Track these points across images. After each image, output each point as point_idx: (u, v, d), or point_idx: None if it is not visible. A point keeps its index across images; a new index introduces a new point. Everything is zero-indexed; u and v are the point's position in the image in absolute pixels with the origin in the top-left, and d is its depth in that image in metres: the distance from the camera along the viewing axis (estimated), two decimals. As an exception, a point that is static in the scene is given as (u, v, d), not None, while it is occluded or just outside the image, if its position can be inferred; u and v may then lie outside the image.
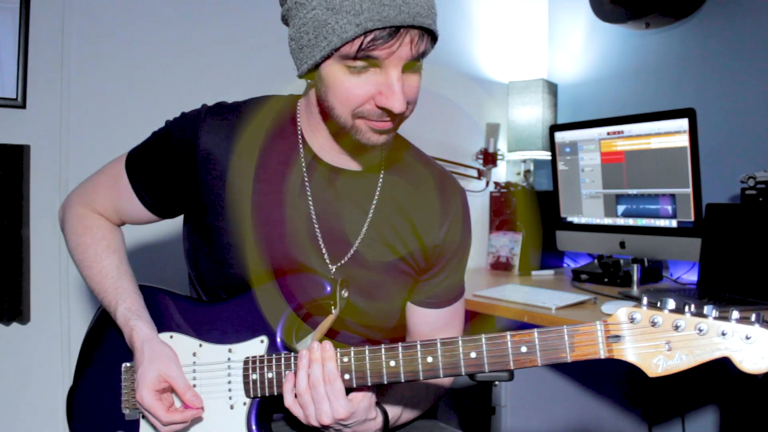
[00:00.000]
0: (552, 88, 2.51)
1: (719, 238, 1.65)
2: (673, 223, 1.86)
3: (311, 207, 0.97)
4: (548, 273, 2.29)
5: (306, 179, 0.97)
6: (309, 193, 0.97)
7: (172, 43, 1.84)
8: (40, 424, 1.67)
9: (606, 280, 1.97)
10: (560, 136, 2.15)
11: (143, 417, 0.97)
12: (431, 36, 0.83)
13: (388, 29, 0.78)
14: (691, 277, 2.06)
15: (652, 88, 2.24)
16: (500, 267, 2.36)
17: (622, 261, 2.03)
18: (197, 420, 0.93)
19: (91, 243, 1.03)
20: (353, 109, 0.84)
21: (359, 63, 0.81)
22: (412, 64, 0.83)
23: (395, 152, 1.05)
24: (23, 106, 1.63)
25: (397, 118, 0.86)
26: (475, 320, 2.29)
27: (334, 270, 0.98)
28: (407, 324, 1.11)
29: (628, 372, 2.12)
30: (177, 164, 0.97)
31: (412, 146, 1.09)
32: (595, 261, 2.11)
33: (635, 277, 1.94)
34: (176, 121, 1.00)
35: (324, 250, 0.97)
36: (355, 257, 0.98)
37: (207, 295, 1.04)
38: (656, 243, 1.90)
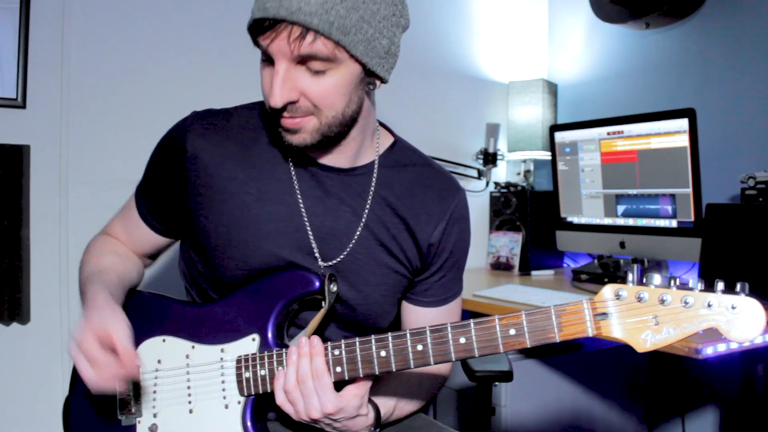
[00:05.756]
0: (552, 88, 2.51)
1: (719, 238, 1.65)
2: (673, 223, 1.86)
3: (301, 204, 0.97)
4: (548, 273, 2.29)
5: (294, 177, 0.97)
6: (298, 191, 0.97)
7: (172, 43, 1.84)
8: (40, 424, 1.67)
9: (606, 280, 1.97)
10: (560, 136, 2.15)
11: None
12: (330, 38, 0.80)
13: (269, 21, 0.80)
14: (691, 277, 2.06)
15: (652, 88, 2.24)
16: (500, 267, 2.36)
17: (622, 261, 2.03)
18: (188, 419, 0.92)
19: (94, 251, 1.05)
20: (267, 102, 0.87)
21: (265, 54, 0.85)
22: (313, 64, 0.82)
23: (390, 151, 1.05)
24: (23, 106, 1.63)
25: (300, 117, 0.86)
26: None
27: (324, 267, 0.98)
28: (403, 323, 1.11)
29: (629, 372, 2.12)
30: (169, 172, 0.98)
31: (409, 146, 1.09)
32: (595, 261, 2.11)
33: (635, 278, 1.93)
34: (166, 133, 1.02)
35: (315, 248, 0.97)
36: (349, 257, 0.98)
37: (203, 300, 1.04)
38: (656, 243, 1.90)
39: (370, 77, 0.89)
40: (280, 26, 0.80)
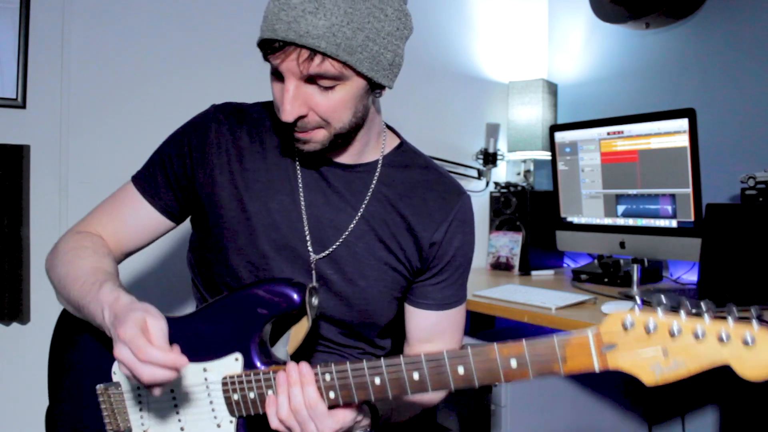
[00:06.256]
0: (552, 88, 2.51)
1: (719, 238, 1.65)
2: (673, 223, 1.86)
3: (301, 196, 0.99)
4: (548, 273, 2.29)
5: (299, 170, 1.01)
6: (301, 184, 1.00)
7: (172, 43, 1.84)
8: (40, 424, 1.67)
9: (606, 280, 1.97)
10: (560, 136, 2.15)
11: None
12: (338, 59, 0.83)
13: (278, 42, 0.83)
14: (691, 277, 2.06)
15: (652, 88, 2.24)
16: (500, 267, 2.36)
17: (622, 261, 2.03)
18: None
19: (73, 250, 0.98)
20: (278, 114, 0.90)
21: (274, 69, 0.88)
22: (322, 82, 0.85)
23: (396, 152, 1.07)
24: (23, 106, 1.63)
25: (312, 130, 0.90)
26: (475, 320, 2.29)
27: (315, 259, 0.99)
28: (405, 325, 1.11)
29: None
30: (189, 155, 1.00)
31: (415, 149, 1.11)
32: (595, 261, 2.11)
33: (635, 278, 1.94)
34: (189, 121, 1.05)
35: (308, 239, 0.99)
36: (345, 249, 1.00)
37: (208, 291, 1.05)
38: (656, 243, 1.90)
39: (375, 88, 0.92)
40: (289, 48, 0.83)
